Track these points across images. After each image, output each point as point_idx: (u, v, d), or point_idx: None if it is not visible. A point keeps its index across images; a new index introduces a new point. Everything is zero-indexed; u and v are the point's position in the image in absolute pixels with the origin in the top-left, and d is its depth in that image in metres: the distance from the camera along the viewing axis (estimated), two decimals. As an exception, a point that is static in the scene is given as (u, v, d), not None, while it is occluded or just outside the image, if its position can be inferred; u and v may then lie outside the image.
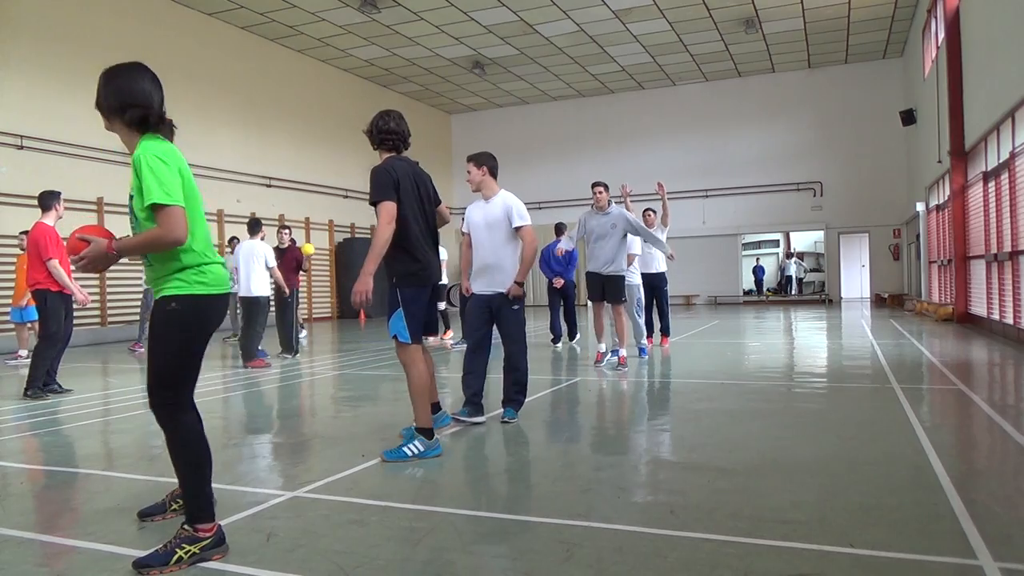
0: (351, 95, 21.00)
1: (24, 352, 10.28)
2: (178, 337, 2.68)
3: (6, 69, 12.24)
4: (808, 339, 11.52)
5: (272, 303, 9.66)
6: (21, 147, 12.38)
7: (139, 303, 12.03)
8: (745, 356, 9.06)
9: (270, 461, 4.26)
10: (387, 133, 4.23)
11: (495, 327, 5.06)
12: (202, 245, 2.74)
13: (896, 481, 3.44)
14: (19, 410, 6.09)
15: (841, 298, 22.76)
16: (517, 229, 4.93)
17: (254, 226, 9.38)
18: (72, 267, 2.67)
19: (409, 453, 3.99)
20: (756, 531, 2.78)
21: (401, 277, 4.21)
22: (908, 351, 8.85)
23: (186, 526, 2.62)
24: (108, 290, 13.58)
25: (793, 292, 25.37)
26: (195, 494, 2.67)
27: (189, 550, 2.57)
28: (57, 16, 13.08)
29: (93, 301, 13.47)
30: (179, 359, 2.69)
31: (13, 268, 11.18)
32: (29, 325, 10.32)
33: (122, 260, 2.85)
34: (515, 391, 5.11)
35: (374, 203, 4.10)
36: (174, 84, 16.91)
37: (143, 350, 11.05)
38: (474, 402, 4.98)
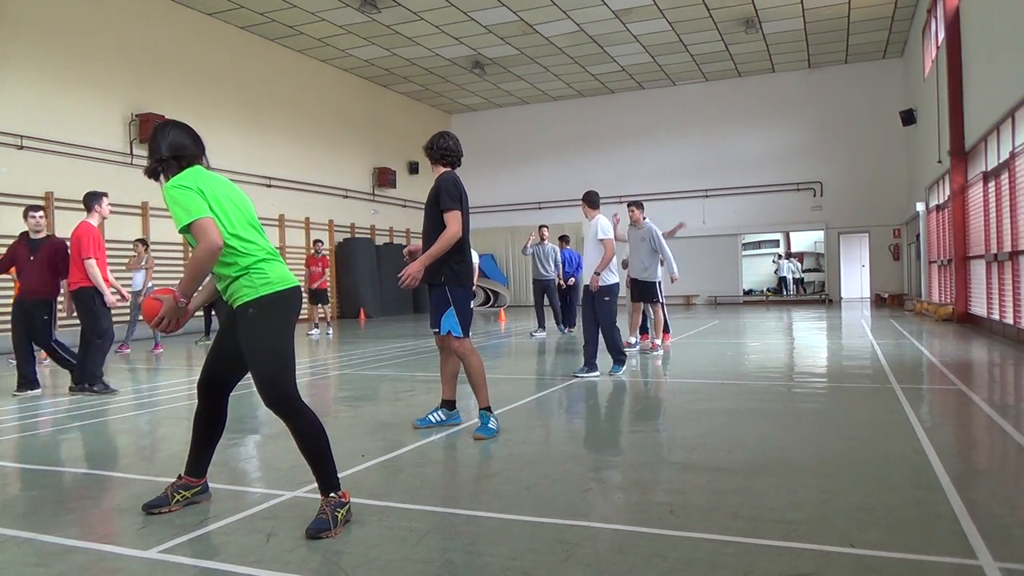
0: (351, 95, 21.01)
1: None
2: (267, 338, 2.94)
3: (6, 69, 12.24)
4: (808, 339, 11.52)
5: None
6: (21, 147, 12.38)
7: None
8: (745, 356, 9.06)
9: (270, 461, 4.26)
10: (446, 150, 4.78)
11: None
12: (252, 246, 2.99)
13: (896, 481, 3.44)
14: (19, 410, 6.09)
15: (841, 298, 22.76)
16: (601, 241, 7.14)
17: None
18: (155, 326, 3.06)
19: (494, 428, 4.64)
20: (756, 531, 2.78)
21: (452, 278, 4.63)
22: (908, 351, 8.85)
23: (332, 495, 2.93)
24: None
25: (789, 293, 25.36)
26: (328, 468, 2.97)
27: (342, 512, 2.91)
28: (57, 16, 13.08)
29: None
30: (275, 356, 2.95)
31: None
32: None
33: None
34: (614, 353, 7.25)
35: (445, 210, 4.55)
36: (174, 84, 16.88)
37: (128, 351, 11.04)
38: (591, 364, 7.18)
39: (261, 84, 17.72)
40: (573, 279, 12.60)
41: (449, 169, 4.80)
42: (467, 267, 4.71)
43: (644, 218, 9.28)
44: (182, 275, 3.00)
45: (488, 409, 4.70)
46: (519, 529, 2.92)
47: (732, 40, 19.08)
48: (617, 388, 6.73)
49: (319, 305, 14.55)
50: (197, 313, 3.83)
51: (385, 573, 2.49)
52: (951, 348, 9.20)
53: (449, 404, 4.99)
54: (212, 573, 2.54)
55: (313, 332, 13.98)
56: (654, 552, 2.61)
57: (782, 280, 26.06)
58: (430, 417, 4.94)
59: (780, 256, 26.52)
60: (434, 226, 4.62)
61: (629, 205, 9.35)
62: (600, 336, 7.25)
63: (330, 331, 14.27)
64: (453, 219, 4.53)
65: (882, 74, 21.15)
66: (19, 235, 7.13)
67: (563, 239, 13.04)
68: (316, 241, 15.18)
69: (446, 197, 4.56)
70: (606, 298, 7.15)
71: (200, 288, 3.10)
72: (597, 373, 7.15)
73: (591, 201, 7.46)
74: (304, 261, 15.76)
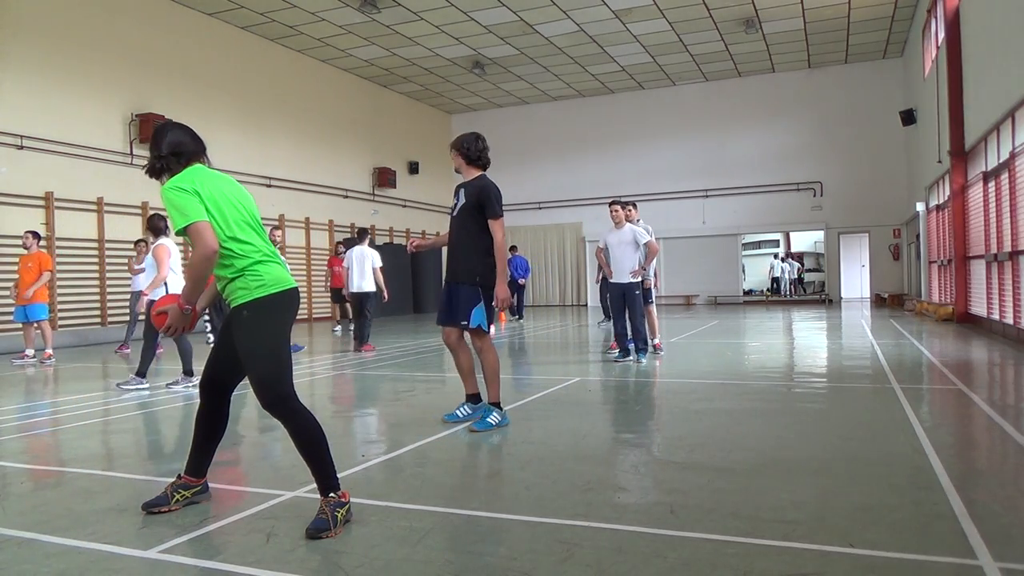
0: (351, 95, 21.00)
1: (31, 351, 10.19)
2: (262, 339, 2.94)
3: (6, 69, 12.24)
4: (808, 339, 11.51)
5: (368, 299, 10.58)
6: (21, 147, 12.37)
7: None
8: (745, 356, 9.06)
9: (270, 461, 4.26)
10: (482, 152, 4.89)
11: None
12: (249, 248, 2.99)
13: (896, 481, 3.44)
14: (19, 410, 6.09)
15: (841, 298, 22.76)
16: (646, 244, 8.17)
17: (362, 234, 10.82)
18: (165, 334, 3.17)
19: (493, 423, 4.73)
20: (756, 531, 2.78)
21: (484, 277, 4.80)
22: (908, 351, 8.85)
23: (331, 495, 2.92)
24: (108, 290, 13.57)
25: (784, 293, 25.36)
26: (327, 468, 2.96)
27: (342, 512, 2.90)
28: (57, 16, 13.07)
29: (92, 302, 13.48)
30: (270, 358, 2.94)
31: (15, 268, 11.12)
32: (36, 325, 10.21)
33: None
34: (638, 341, 8.17)
35: (493, 217, 4.72)
36: (174, 84, 16.88)
37: (128, 352, 11.03)
38: (624, 348, 8.25)
39: (261, 84, 17.71)
40: (523, 280, 16.76)
41: (484, 173, 4.90)
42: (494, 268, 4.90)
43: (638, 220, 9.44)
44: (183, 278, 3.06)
45: (498, 404, 4.84)
46: (519, 529, 2.92)
47: (732, 40, 19.08)
48: (617, 388, 6.73)
49: (340, 303, 15.36)
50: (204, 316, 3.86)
51: (385, 573, 2.49)
52: (951, 348, 9.20)
53: (474, 398, 5.09)
54: (212, 573, 2.54)
55: (336, 329, 14.81)
56: (654, 552, 2.61)
57: (775, 280, 26.16)
58: (457, 412, 5.07)
59: (776, 256, 26.60)
60: (467, 227, 4.74)
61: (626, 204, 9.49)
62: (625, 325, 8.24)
63: (338, 328, 14.94)
64: (500, 226, 4.72)
65: (882, 74, 21.15)
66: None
67: (512, 248, 15.54)
68: (338, 243, 15.75)
69: (496, 204, 4.73)
70: (636, 292, 8.16)
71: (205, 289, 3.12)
72: (632, 357, 8.15)
73: (628, 208, 8.34)
74: (327, 262, 16.37)
